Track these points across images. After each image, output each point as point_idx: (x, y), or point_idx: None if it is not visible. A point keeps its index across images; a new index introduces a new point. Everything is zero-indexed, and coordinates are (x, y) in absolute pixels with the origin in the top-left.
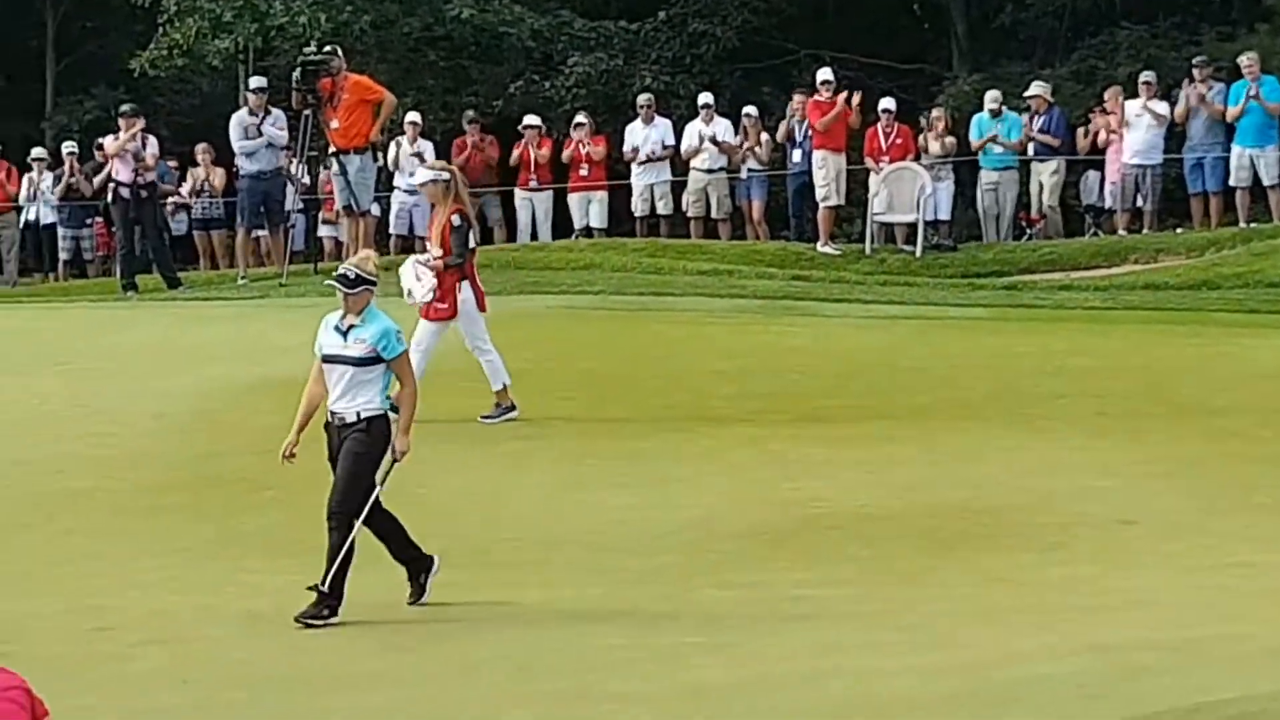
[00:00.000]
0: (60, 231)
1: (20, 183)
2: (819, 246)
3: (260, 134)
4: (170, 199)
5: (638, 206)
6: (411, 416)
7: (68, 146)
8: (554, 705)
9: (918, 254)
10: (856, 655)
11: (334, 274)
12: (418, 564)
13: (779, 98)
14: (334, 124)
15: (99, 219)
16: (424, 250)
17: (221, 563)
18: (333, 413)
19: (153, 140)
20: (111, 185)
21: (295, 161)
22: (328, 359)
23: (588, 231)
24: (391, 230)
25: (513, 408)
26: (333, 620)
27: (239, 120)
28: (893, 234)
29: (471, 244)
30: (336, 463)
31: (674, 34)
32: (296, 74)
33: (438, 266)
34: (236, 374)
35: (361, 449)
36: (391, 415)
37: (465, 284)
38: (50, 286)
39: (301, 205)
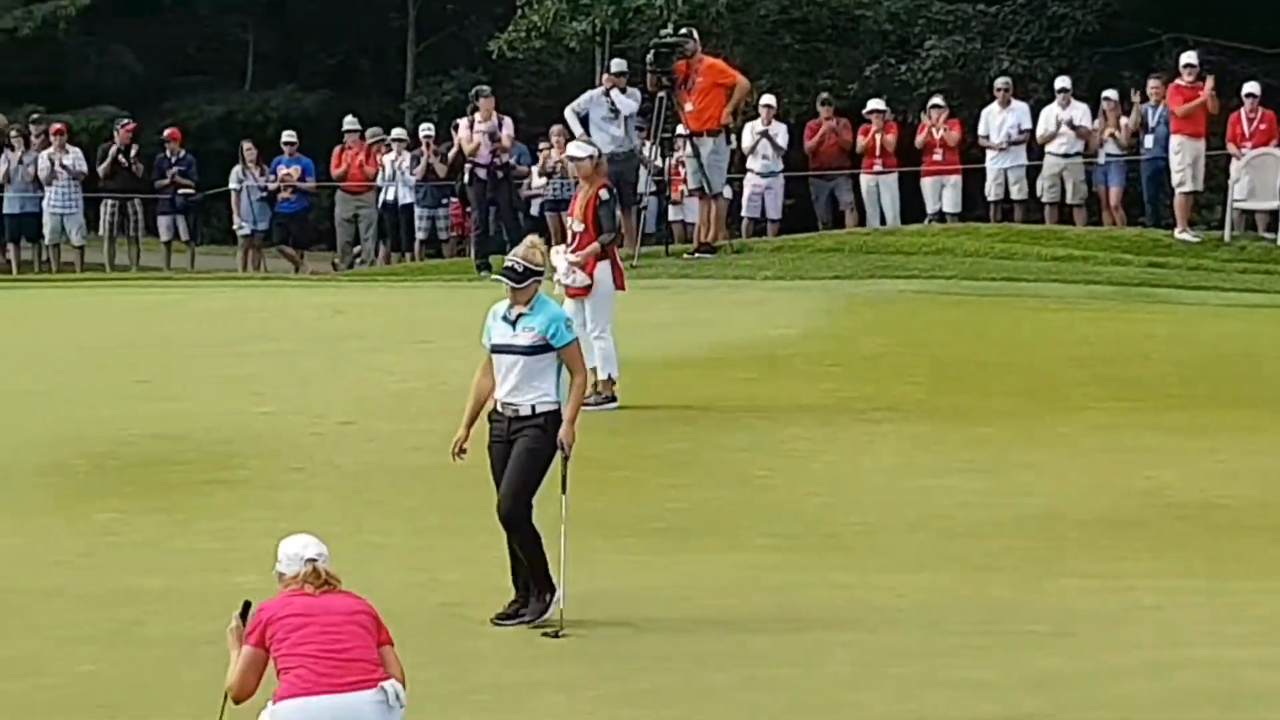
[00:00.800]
0: (417, 211)
1: (379, 163)
2: (1176, 233)
3: (616, 114)
4: (524, 180)
5: (991, 191)
6: (578, 407)
7: (425, 128)
8: (900, 690)
9: (1279, 242)
10: (1205, 646)
11: (502, 267)
12: (543, 585)
13: (1138, 81)
14: (688, 106)
15: (454, 199)
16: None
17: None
18: (505, 404)
19: (508, 121)
20: (468, 166)
21: (648, 144)
22: (497, 349)
23: (940, 216)
24: (744, 213)
25: (613, 399)
26: (551, 613)
27: (590, 100)
28: (1254, 221)
29: (617, 220)
30: (498, 456)
31: (1033, 17)
32: (650, 56)
33: (589, 251)
34: None
35: (536, 445)
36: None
37: (605, 262)
38: (407, 266)
39: (654, 187)
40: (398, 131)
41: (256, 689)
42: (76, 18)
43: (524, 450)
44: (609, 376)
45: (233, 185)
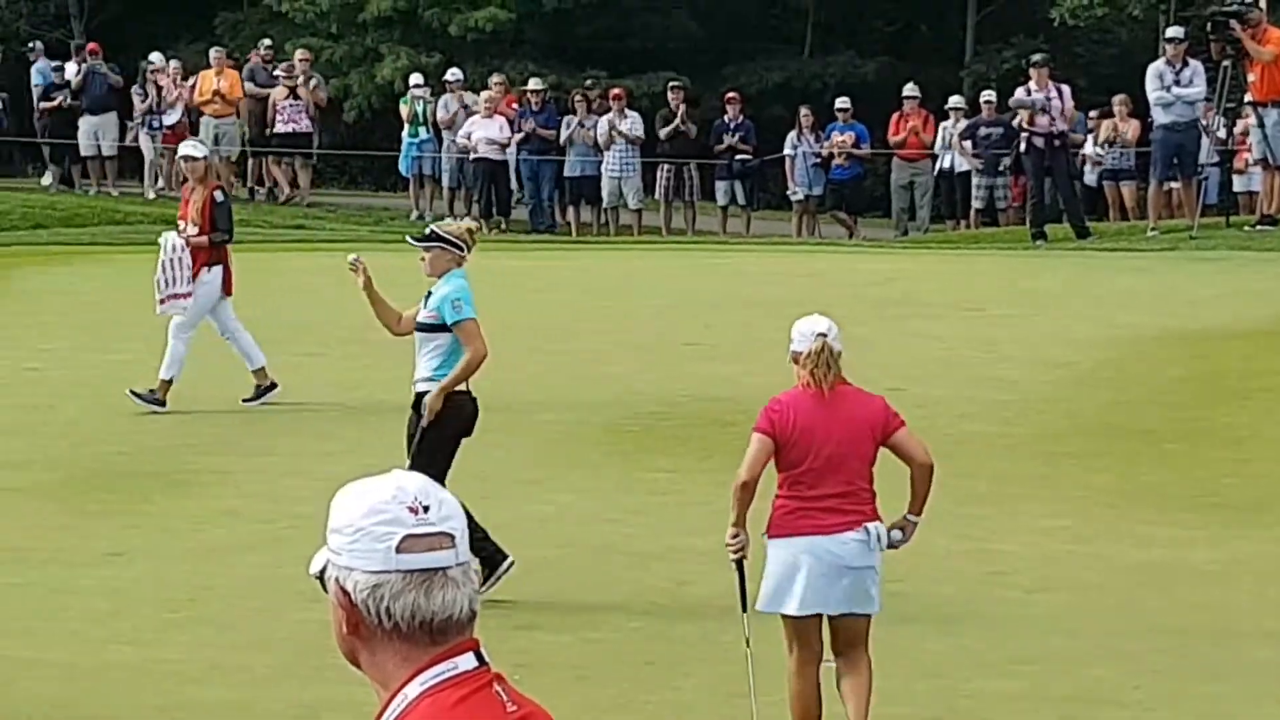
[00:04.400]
0: (974, 180)
1: (936, 130)
2: None
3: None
4: (1080, 150)
5: None
6: (454, 380)
7: (985, 95)
8: None
9: None
10: None
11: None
12: (492, 560)
13: None
14: (1251, 77)
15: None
16: None
17: (1116, 513)
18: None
19: (1066, 90)
20: (1025, 135)
21: (1212, 113)
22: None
23: None
24: None
25: (274, 385)
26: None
27: (1155, 71)
28: None
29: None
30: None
31: None
32: (1209, 25)
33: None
34: (1143, 325)
35: (415, 430)
36: None
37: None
38: (961, 234)
39: (1216, 158)
40: (955, 99)
41: (760, 475)
42: None
43: (410, 435)
44: (170, 379)
45: (788, 151)
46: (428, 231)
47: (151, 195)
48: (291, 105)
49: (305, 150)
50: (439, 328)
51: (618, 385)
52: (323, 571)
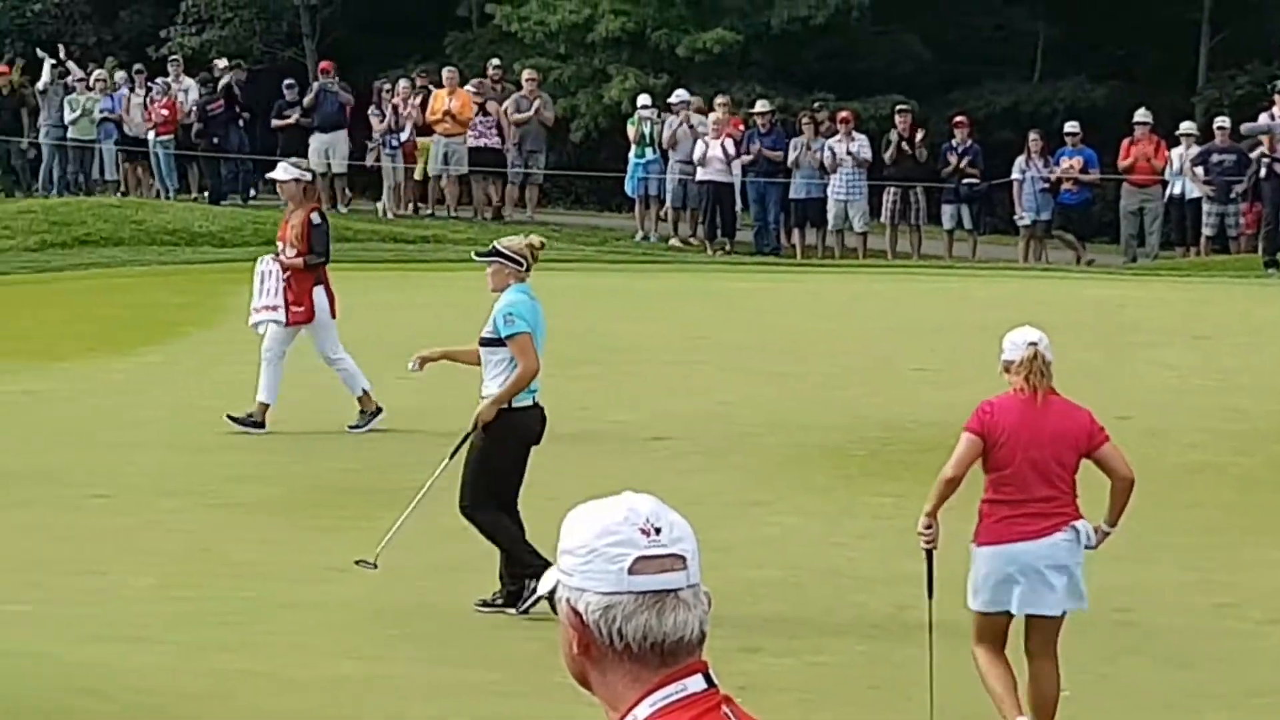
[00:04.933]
0: (1206, 207)
1: (1168, 156)
2: None
3: None
4: None
5: None
6: (505, 395)
7: (1219, 121)
8: None
9: None
10: None
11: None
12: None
13: None
14: None
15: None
16: None
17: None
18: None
19: None
20: (1266, 161)
21: None
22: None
23: None
24: None
25: (378, 411)
26: (508, 610)
27: None
28: None
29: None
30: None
31: None
32: None
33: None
34: None
35: (479, 441)
36: None
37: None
38: (1191, 261)
39: None
40: (1187, 125)
41: (965, 473)
42: (869, 6)
43: (471, 445)
44: (363, 391)
45: (1015, 175)
46: (490, 247)
47: (389, 215)
48: (483, 121)
49: (498, 169)
50: (497, 342)
51: (843, 409)
52: (552, 592)
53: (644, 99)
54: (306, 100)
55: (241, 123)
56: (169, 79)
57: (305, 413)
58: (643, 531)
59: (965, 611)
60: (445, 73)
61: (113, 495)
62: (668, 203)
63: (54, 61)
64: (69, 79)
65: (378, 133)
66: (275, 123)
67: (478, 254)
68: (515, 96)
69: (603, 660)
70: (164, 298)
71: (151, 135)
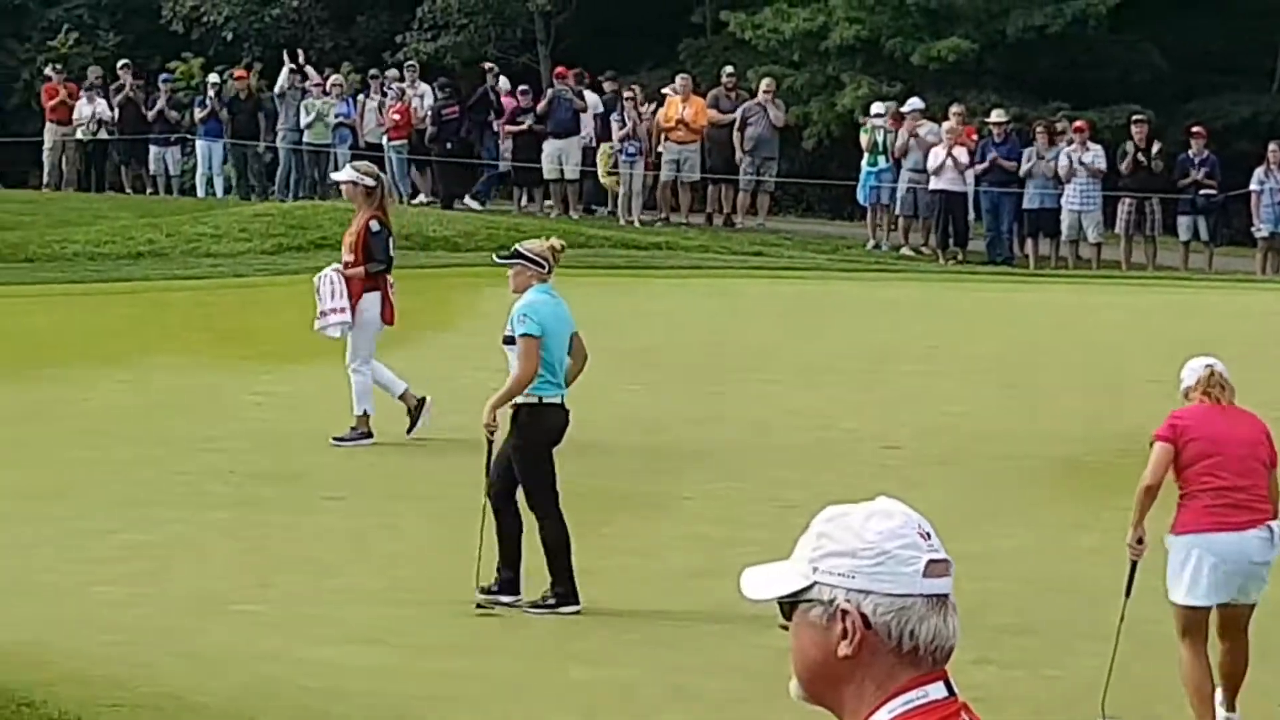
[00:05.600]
0: None
1: None
2: None
3: None
4: None
5: None
6: (503, 396)
7: None
8: None
9: None
10: None
11: None
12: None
13: None
14: None
15: None
16: None
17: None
18: None
19: None
20: None
21: None
22: None
23: None
24: None
25: (369, 434)
26: (563, 610)
27: None
28: None
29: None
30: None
31: None
32: None
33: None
34: None
35: (510, 438)
36: None
37: (374, 294)
38: None
39: None
40: None
41: (1163, 480)
42: (1106, 15)
43: (504, 442)
44: (364, 412)
45: (1254, 187)
46: (512, 250)
47: (623, 220)
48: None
49: (730, 176)
50: (515, 340)
51: (1077, 420)
52: (795, 595)
53: (877, 107)
54: (540, 106)
55: (493, 127)
56: (403, 84)
57: None
58: (921, 535)
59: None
60: (678, 80)
61: (347, 497)
62: (898, 211)
63: (292, 67)
64: (305, 84)
65: (617, 138)
66: (508, 128)
67: (499, 257)
68: (748, 103)
69: (871, 663)
70: (400, 301)
71: (385, 140)
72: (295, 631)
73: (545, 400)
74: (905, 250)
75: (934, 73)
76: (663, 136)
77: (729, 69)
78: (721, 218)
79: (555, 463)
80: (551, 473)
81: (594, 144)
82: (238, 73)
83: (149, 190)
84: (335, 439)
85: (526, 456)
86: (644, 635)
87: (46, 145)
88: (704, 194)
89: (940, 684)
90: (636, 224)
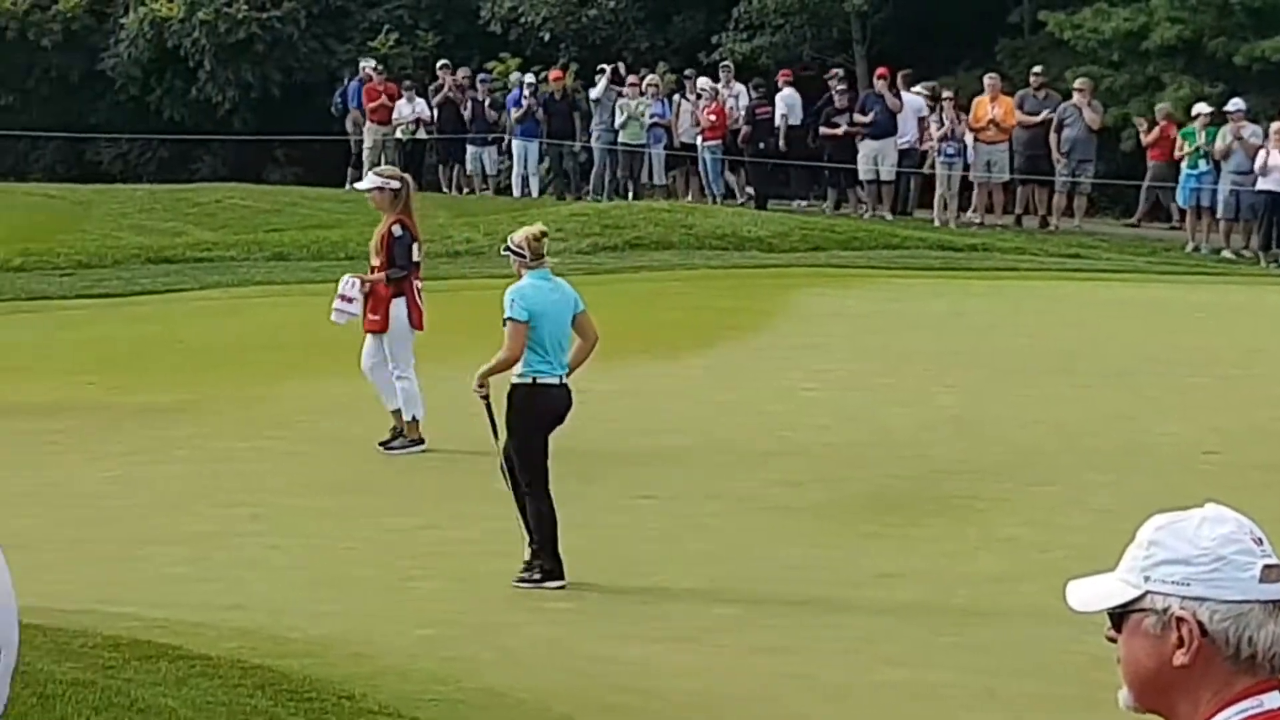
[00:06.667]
0: None
1: None
2: None
3: None
4: None
5: None
6: (489, 369)
7: None
8: None
9: None
10: None
11: None
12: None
13: None
14: None
15: None
16: None
17: None
18: None
19: None
20: None
21: None
22: None
23: None
24: None
25: (420, 441)
26: (548, 585)
27: None
28: None
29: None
30: None
31: None
32: None
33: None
34: None
35: (510, 426)
36: None
37: (400, 299)
38: None
39: None
40: None
41: None
42: None
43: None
44: (413, 418)
45: None
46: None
47: (938, 222)
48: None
49: (1045, 177)
50: None
51: None
52: (1127, 606)
53: (1200, 108)
54: (858, 107)
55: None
56: (717, 84)
57: (859, 418)
58: (1255, 541)
59: None
60: (987, 80)
61: (659, 497)
62: (1219, 213)
63: (608, 69)
64: (621, 86)
65: (934, 139)
66: (823, 130)
67: (502, 253)
68: (1063, 104)
69: (1206, 672)
70: (712, 301)
71: (699, 140)
72: (609, 629)
73: (539, 381)
74: (1226, 253)
75: (1258, 73)
76: (973, 137)
77: (1037, 69)
78: (1036, 219)
79: (549, 442)
80: (542, 451)
81: (915, 145)
82: (554, 73)
83: (465, 190)
84: (381, 444)
85: (518, 434)
86: (955, 638)
87: (367, 145)
88: (1014, 195)
89: (1276, 693)
90: (952, 225)
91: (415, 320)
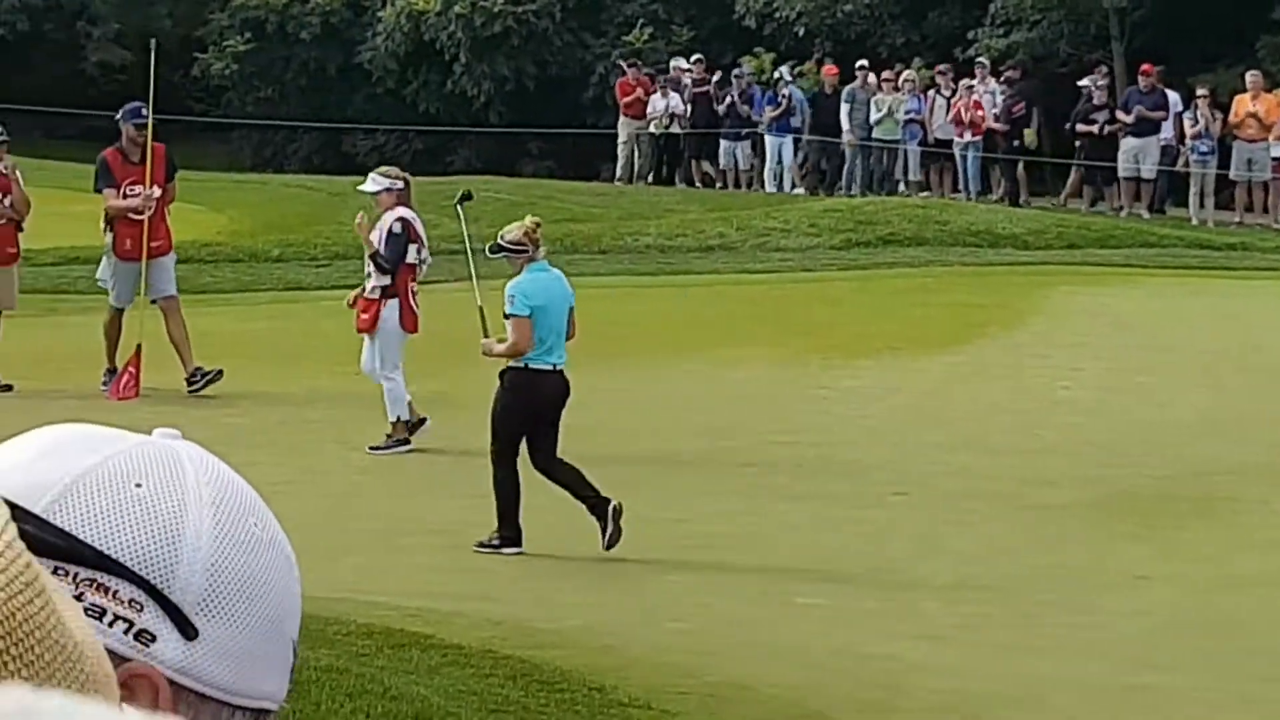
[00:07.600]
0: None
1: None
2: None
3: None
4: None
5: None
6: (497, 353)
7: None
8: None
9: None
10: None
11: None
12: (598, 507)
13: None
14: None
15: None
16: None
17: None
18: None
19: None
20: None
21: None
22: None
23: None
24: None
25: (406, 441)
26: (505, 550)
27: None
28: None
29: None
30: None
31: None
32: None
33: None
34: None
35: (495, 400)
36: None
37: (392, 301)
38: None
39: None
40: None
41: None
42: None
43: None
44: (397, 418)
45: None
46: (492, 245)
47: (1195, 221)
48: None
49: None
50: None
51: None
52: None
53: None
54: (1120, 104)
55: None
56: (974, 80)
57: (1114, 417)
58: None
59: None
60: (1249, 76)
61: (913, 493)
62: None
63: (863, 64)
64: (876, 80)
65: (1189, 137)
66: (1080, 128)
67: (490, 252)
68: None
69: None
70: (967, 298)
71: (955, 137)
72: (861, 626)
73: (531, 367)
74: None
75: None
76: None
77: None
78: None
79: (534, 426)
80: (520, 433)
81: (1172, 143)
82: (827, 69)
83: (718, 184)
84: (371, 448)
85: (502, 413)
86: (1212, 642)
87: (620, 139)
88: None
89: None
90: (1210, 224)
91: (408, 323)
